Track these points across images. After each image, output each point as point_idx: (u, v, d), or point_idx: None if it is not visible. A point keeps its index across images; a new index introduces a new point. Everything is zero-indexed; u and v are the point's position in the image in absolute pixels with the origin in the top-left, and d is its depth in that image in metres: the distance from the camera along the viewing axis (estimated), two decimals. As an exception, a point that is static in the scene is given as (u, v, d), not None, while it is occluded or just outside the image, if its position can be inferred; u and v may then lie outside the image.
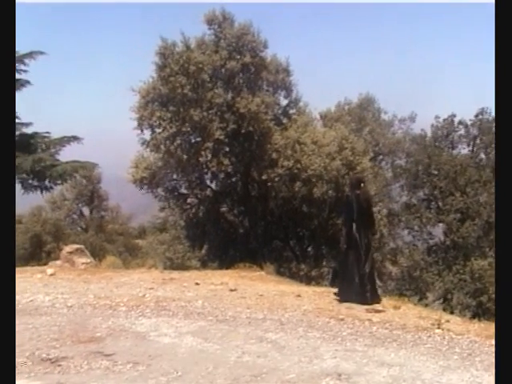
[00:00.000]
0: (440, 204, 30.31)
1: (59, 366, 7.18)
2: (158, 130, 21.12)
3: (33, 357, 7.51)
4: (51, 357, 7.52)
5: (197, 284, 13.53)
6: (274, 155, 21.42)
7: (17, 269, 16.54)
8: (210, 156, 20.67)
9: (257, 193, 23.42)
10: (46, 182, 24.07)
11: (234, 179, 23.54)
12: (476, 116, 31.66)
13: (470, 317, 21.09)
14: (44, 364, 7.25)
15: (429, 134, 32.32)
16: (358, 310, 10.80)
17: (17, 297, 11.51)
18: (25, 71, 23.60)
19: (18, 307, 10.62)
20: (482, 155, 31.95)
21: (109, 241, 44.03)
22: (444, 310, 23.11)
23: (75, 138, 24.63)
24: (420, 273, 28.68)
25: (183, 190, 24.04)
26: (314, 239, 24.52)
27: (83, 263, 17.01)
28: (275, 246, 25.10)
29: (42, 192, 24.76)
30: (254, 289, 13.12)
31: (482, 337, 8.82)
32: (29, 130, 24.46)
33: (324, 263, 24.92)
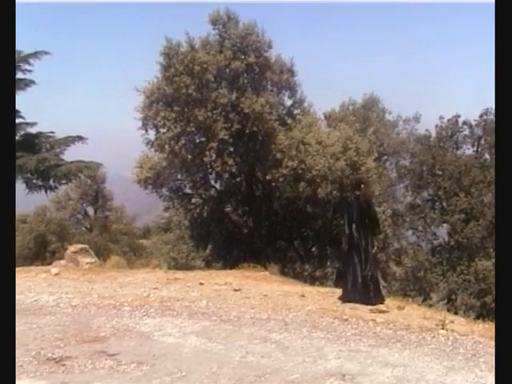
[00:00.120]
0: (444, 204, 30.26)
1: (63, 365, 7.19)
2: (162, 130, 21.14)
3: (38, 356, 7.52)
4: (55, 356, 7.54)
5: (201, 284, 13.55)
6: (279, 155, 21.42)
7: (21, 268, 16.62)
8: (214, 156, 20.67)
9: (261, 193, 23.42)
10: (51, 182, 24.13)
11: (238, 179, 23.55)
12: (480, 116, 31.57)
13: (474, 317, 21.05)
14: (48, 363, 7.26)
15: (433, 134, 32.24)
16: (362, 310, 10.80)
17: (21, 296, 11.55)
18: (29, 71, 23.69)
19: (22, 307, 10.66)
20: (487, 156, 31.84)
21: (113, 241, 44.04)
22: (448, 310, 23.05)
23: (80, 138, 24.69)
24: (424, 273, 28.61)
25: (187, 190, 24.05)
26: (319, 239, 24.50)
27: (87, 263, 17.06)
28: (279, 246, 25.09)
29: (46, 192, 24.82)
30: (258, 289, 13.14)
31: (486, 337, 8.81)
32: (33, 130, 24.52)
33: (328, 263, 24.90)
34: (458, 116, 32.13)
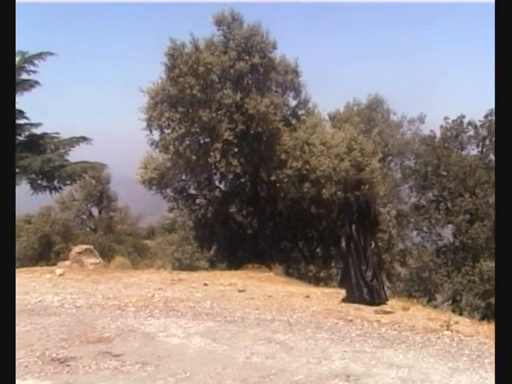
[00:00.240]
0: (449, 205, 30.23)
1: (68, 366, 7.19)
2: (167, 131, 21.18)
3: (42, 357, 7.53)
4: (60, 357, 7.54)
5: (205, 285, 13.55)
6: (283, 156, 21.43)
7: (26, 269, 16.66)
8: (218, 157, 20.70)
9: (265, 193, 23.43)
10: (55, 183, 24.15)
11: (242, 180, 23.58)
12: (485, 117, 31.50)
13: (479, 318, 21.03)
14: (53, 364, 7.26)
15: (438, 135, 32.23)
16: (367, 311, 10.79)
17: (26, 297, 11.57)
18: (34, 72, 23.73)
19: (27, 307, 10.68)
20: (492, 156, 31.75)
21: (118, 241, 44.05)
22: (453, 311, 23.06)
23: (84, 139, 24.69)
24: (429, 274, 28.60)
25: (192, 191, 24.08)
26: (323, 240, 24.50)
27: (92, 263, 17.07)
28: (284, 247, 25.10)
29: (51, 192, 24.83)
30: (263, 290, 13.13)
31: (491, 338, 8.78)
32: (38, 131, 24.56)
33: (333, 264, 24.88)
34: (463, 117, 32.13)
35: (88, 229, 45.98)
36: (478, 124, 31.87)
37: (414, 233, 31.35)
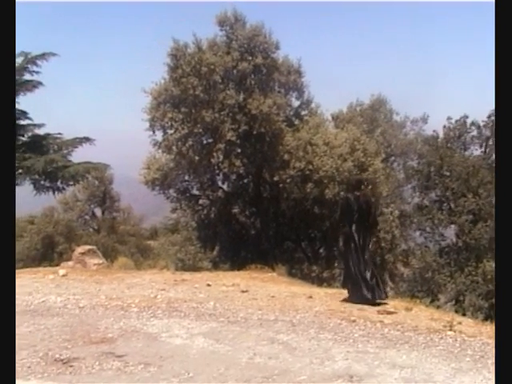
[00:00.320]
0: (452, 205, 30.19)
1: (71, 366, 7.20)
2: (169, 131, 21.21)
3: (45, 357, 7.53)
4: (63, 357, 7.54)
5: (208, 285, 13.56)
6: (286, 156, 21.43)
7: (29, 269, 16.68)
8: (221, 157, 20.72)
9: (268, 194, 23.43)
10: (58, 183, 24.22)
11: (245, 180, 23.59)
12: (488, 117, 31.44)
13: (482, 319, 20.98)
14: (56, 364, 7.27)
15: (441, 135, 32.20)
16: (370, 311, 10.78)
17: (29, 297, 11.59)
18: (37, 72, 23.78)
19: (30, 308, 10.70)
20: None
21: (121, 242, 44.03)
22: (456, 311, 23.01)
23: (87, 139, 24.74)
24: (432, 274, 28.56)
25: (195, 191, 24.10)
26: (326, 240, 24.48)
27: (95, 264, 17.07)
28: (287, 248, 25.10)
29: (54, 193, 24.90)
30: (266, 290, 13.13)
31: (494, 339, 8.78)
32: (41, 131, 24.61)
33: (336, 264, 24.86)
34: (466, 117, 32.10)
35: (91, 229, 45.98)
36: (481, 124, 31.83)
37: (417, 233, 31.32)
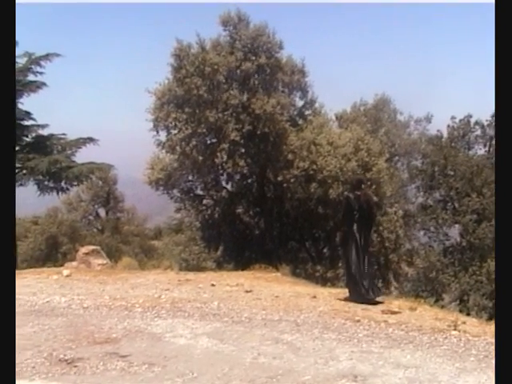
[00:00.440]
0: (456, 205, 30.16)
1: (75, 366, 7.20)
2: (173, 132, 21.22)
3: (49, 357, 7.54)
4: (67, 358, 7.55)
5: (212, 285, 13.54)
6: (290, 156, 21.42)
7: (33, 270, 16.69)
8: (225, 157, 20.71)
9: (272, 194, 23.42)
10: (62, 184, 24.28)
11: (249, 180, 23.58)
12: (492, 116, 31.40)
13: (486, 318, 20.93)
14: (60, 365, 7.27)
15: (445, 134, 32.17)
16: (374, 311, 10.76)
17: (33, 298, 11.60)
18: (41, 73, 23.84)
19: (34, 308, 10.70)
20: (499, 156, 31.63)
21: (125, 242, 44.14)
22: (460, 311, 22.98)
23: (91, 140, 24.79)
24: (436, 274, 28.53)
25: (199, 192, 24.10)
26: (330, 240, 24.42)
27: (99, 264, 17.09)
28: (291, 247, 25.09)
29: (58, 193, 24.97)
30: (270, 290, 13.11)
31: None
32: (44, 132, 24.66)
33: (340, 264, 24.85)
34: (470, 116, 32.09)
35: (95, 229, 46.11)
36: (485, 124, 31.79)
37: (421, 233, 31.30)
